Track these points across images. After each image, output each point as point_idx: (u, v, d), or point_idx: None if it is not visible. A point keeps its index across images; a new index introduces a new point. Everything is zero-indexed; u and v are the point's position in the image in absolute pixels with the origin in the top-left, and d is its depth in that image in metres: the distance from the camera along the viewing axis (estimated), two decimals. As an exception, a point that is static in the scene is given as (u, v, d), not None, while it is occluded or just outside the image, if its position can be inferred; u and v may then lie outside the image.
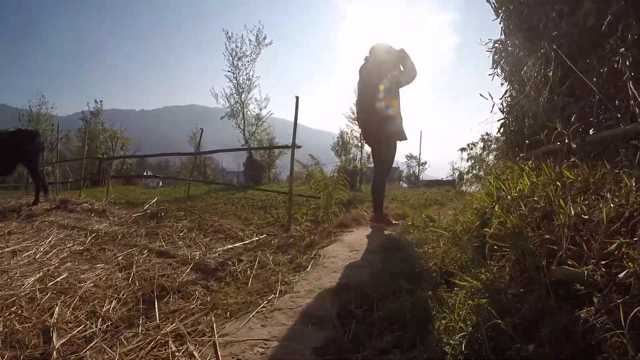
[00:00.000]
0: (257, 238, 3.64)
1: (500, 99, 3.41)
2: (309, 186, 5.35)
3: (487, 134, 40.65)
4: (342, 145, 22.95)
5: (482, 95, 3.40)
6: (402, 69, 3.64)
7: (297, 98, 4.33)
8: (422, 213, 3.75)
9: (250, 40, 19.29)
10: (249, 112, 20.56)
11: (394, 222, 3.77)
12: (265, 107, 20.76)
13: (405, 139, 3.77)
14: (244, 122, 20.19)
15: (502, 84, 3.52)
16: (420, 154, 35.53)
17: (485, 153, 38.02)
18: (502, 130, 3.39)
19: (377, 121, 3.60)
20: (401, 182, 25.71)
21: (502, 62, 3.55)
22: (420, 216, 3.61)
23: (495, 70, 3.62)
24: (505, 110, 3.35)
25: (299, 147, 4.61)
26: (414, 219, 3.47)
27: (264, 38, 19.27)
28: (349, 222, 4.05)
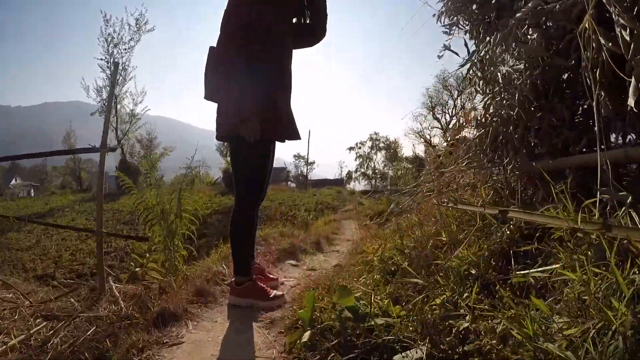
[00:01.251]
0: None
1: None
2: (142, 218, 3.01)
3: (375, 132, 42.91)
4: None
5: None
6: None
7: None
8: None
9: (129, 25, 17.18)
10: (122, 109, 18.29)
11: (272, 293, 2.07)
12: (141, 102, 18.63)
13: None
14: (117, 119, 17.93)
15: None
16: (308, 153, 35.95)
17: (373, 151, 40.48)
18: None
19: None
20: (289, 183, 25.53)
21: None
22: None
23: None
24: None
25: (113, 149, 2.82)
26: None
27: (146, 23, 17.30)
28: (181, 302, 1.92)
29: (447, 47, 2.33)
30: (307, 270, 2.96)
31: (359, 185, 39.41)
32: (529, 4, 1.60)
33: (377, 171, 39.82)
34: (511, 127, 1.83)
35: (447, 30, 2.38)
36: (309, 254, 3.69)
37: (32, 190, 29.53)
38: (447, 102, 35.26)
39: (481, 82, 2.15)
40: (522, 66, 1.73)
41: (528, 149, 1.82)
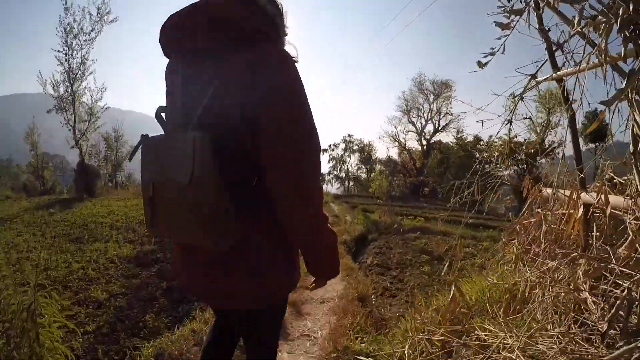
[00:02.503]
0: None
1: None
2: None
3: (349, 135, 42.72)
4: None
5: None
6: None
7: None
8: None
9: (90, 15, 15.61)
10: (81, 107, 16.93)
11: None
12: (100, 98, 17.29)
13: None
14: (74, 117, 16.45)
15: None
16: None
17: (346, 154, 40.19)
18: None
19: None
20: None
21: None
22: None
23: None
24: None
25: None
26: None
27: (108, 12, 15.84)
28: None
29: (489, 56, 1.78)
30: None
31: (332, 188, 39.09)
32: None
33: (350, 174, 39.62)
34: None
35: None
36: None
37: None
38: (423, 105, 35.33)
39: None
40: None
41: None
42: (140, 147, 1.18)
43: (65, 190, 18.18)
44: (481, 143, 32.00)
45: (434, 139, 35.65)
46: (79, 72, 15.85)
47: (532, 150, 28.30)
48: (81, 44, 15.65)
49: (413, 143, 37.20)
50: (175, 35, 1.11)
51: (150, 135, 1.16)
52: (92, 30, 15.75)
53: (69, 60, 15.58)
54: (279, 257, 1.15)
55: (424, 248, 6.87)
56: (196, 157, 0.96)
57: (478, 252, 6.73)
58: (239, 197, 1.05)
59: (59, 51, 15.36)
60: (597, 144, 29.41)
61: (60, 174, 27.72)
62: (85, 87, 16.25)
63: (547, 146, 28.12)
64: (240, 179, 1.06)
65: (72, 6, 15.43)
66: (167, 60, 1.23)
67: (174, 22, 1.10)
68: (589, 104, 1.65)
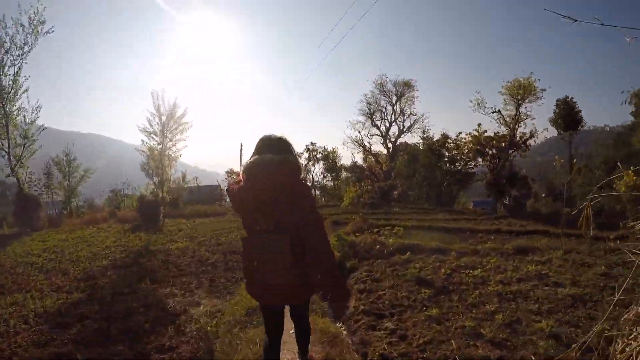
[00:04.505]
0: None
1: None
2: None
3: (312, 143, 41.19)
4: (152, 164, 17.94)
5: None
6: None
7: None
8: None
9: (22, 26, 14.04)
10: (15, 131, 15.09)
11: None
12: (35, 120, 15.39)
13: None
14: (9, 143, 14.73)
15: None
16: (241, 167, 33.27)
17: (310, 163, 38.66)
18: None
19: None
20: (224, 202, 22.54)
21: None
22: None
23: None
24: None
25: None
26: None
27: (43, 22, 14.17)
28: None
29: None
30: None
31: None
32: None
33: (316, 183, 38.07)
34: None
35: None
36: None
37: None
38: (386, 107, 34.34)
39: None
40: None
41: None
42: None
43: (4, 224, 15.83)
44: (449, 140, 31.32)
45: (399, 140, 34.75)
46: (12, 91, 14.27)
47: (504, 144, 27.59)
48: (13, 59, 14.12)
49: (378, 147, 36.10)
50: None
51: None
52: (25, 44, 14.22)
53: (0, 78, 14.05)
54: (308, 281, 2.34)
55: (421, 277, 5.26)
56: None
57: (508, 274, 5.21)
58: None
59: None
60: (570, 132, 29.40)
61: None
62: (19, 108, 14.65)
63: (517, 138, 27.87)
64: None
65: (4, 18, 13.86)
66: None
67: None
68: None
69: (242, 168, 2.47)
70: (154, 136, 15.69)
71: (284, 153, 2.33)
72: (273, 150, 2.32)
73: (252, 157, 2.37)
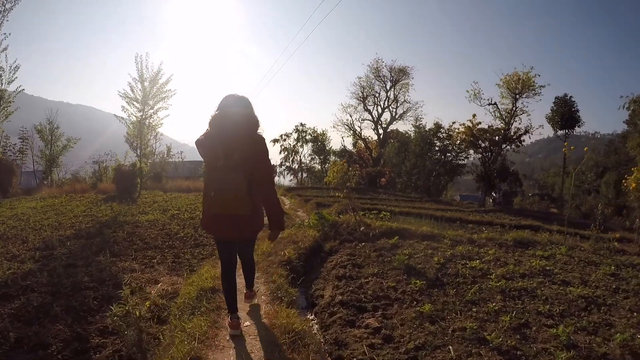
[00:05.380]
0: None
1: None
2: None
3: (301, 124, 40.18)
4: (131, 132, 16.75)
5: None
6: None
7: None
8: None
9: None
10: None
11: None
12: (13, 80, 14.46)
13: None
14: None
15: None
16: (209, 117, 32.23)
17: (299, 144, 37.76)
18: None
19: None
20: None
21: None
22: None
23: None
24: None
25: None
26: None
27: None
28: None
29: None
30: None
31: (284, 180, 36.61)
32: None
33: (303, 165, 37.18)
34: None
35: None
36: None
37: None
38: (379, 93, 33.32)
39: None
40: None
41: None
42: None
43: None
44: (442, 130, 30.63)
45: (391, 127, 33.90)
46: None
47: (497, 138, 26.90)
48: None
49: (369, 132, 35.15)
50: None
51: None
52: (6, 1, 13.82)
53: None
54: (262, 215, 2.99)
55: (410, 265, 4.56)
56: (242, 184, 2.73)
57: (510, 268, 4.55)
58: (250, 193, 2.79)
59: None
60: (566, 131, 28.95)
61: None
62: None
63: (512, 133, 27.34)
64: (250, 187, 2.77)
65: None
66: None
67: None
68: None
69: (209, 118, 2.83)
70: (135, 103, 14.55)
71: (246, 109, 2.82)
72: (237, 105, 2.81)
73: (216, 110, 2.81)
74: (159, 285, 4.87)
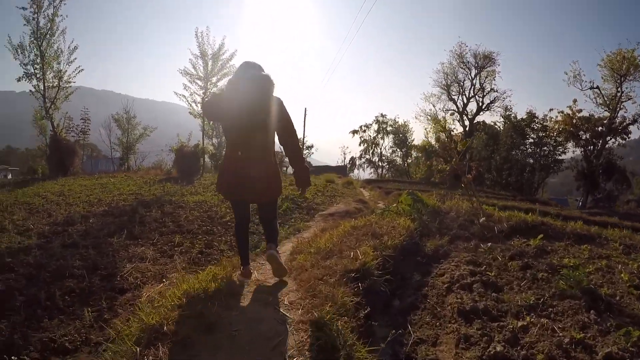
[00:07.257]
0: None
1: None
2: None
3: (382, 114, 38.15)
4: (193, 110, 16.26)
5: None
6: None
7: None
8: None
9: None
10: (51, 73, 14.13)
11: None
12: (72, 61, 14.54)
13: None
14: (44, 84, 13.76)
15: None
16: (304, 135, 31.20)
17: (379, 136, 35.61)
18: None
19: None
20: (284, 169, 20.63)
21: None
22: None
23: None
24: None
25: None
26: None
27: None
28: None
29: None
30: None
31: (364, 173, 34.94)
32: None
33: (384, 158, 35.00)
34: None
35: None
36: None
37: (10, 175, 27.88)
38: (464, 81, 29.97)
39: None
40: None
41: None
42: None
43: (39, 168, 15.71)
44: (536, 120, 26.80)
45: (477, 119, 30.38)
46: (49, 32, 13.49)
47: (600, 129, 22.35)
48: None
49: (454, 123, 31.90)
50: None
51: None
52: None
53: (37, 18, 13.25)
54: (280, 179, 3.05)
55: (592, 290, 2.38)
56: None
57: None
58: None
59: (23, 8, 13.07)
60: None
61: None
62: (55, 50, 13.90)
63: (617, 123, 22.87)
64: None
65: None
66: None
67: None
68: None
69: (226, 82, 3.25)
70: (197, 81, 13.76)
71: (262, 72, 2.87)
72: (254, 70, 2.85)
73: (234, 76, 2.93)
74: (165, 281, 3.57)
